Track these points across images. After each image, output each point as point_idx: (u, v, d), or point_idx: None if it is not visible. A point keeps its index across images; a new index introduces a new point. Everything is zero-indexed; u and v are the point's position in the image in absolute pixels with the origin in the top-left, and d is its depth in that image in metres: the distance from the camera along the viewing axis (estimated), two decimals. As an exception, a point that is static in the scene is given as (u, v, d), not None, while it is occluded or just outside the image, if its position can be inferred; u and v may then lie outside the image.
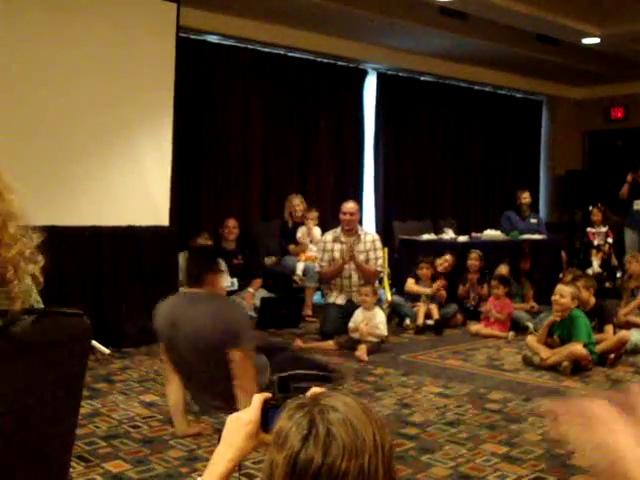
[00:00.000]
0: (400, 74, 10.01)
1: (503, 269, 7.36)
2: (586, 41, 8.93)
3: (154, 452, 3.52)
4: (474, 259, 7.45)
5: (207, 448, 3.55)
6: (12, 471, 1.63)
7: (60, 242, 5.67)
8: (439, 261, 7.30)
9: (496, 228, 8.98)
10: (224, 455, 1.47)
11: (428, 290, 7.00)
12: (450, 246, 7.79)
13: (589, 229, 9.33)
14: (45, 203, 5.53)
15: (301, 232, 7.83)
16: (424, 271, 7.10)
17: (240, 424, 1.49)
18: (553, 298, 5.48)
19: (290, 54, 8.72)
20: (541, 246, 8.48)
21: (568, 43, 9.02)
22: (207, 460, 3.41)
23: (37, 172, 5.52)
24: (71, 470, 1.93)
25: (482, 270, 7.42)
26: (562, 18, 8.18)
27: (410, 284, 7.17)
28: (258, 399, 1.52)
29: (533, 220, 9.39)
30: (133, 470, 3.28)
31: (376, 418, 1.20)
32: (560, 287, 5.56)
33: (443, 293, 7.06)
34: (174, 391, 3.78)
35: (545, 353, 5.38)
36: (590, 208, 9.48)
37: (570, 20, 8.28)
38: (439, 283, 7.03)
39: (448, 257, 7.35)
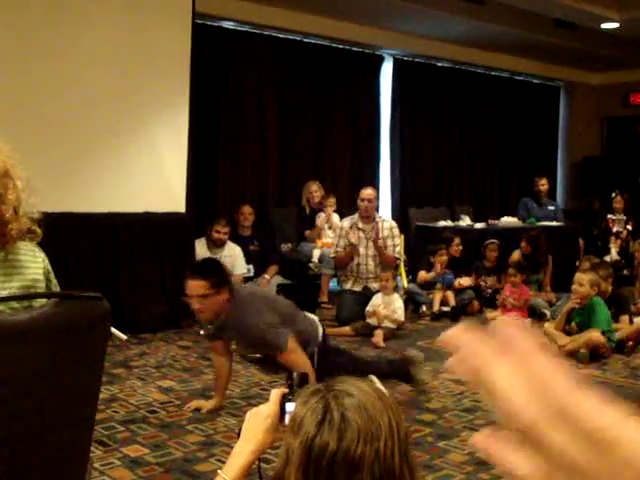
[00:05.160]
0: (416, 60, 9.94)
1: (517, 256, 7.33)
2: (605, 26, 8.81)
3: (172, 437, 3.54)
4: (492, 250, 7.39)
5: (224, 433, 3.58)
6: (33, 453, 1.64)
7: (77, 229, 5.71)
8: (454, 247, 7.26)
9: (513, 215, 8.94)
10: (245, 448, 1.49)
11: (433, 274, 6.99)
12: (455, 232, 7.74)
13: (609, 216, 9.25)
14: (62, 190, 5.56)
15: (320, 219, 7.81)
16: (443, 257, 7.06)
17: (259, 418, 1.52)
18: (572, 287, 5.47)
19: (306, 40, 8.68)
20: (558, 233, 8.43)
21: (587, 28, 8.90)
22: (224, 445, 3.45)
23: (54, 160, 5.55)
24: (91, 454, 1.95)
25: (498, 258, 7.40)
26: (581, 2, 8.08)
27: (422, 275, 7.16)
28: (276, 394, 1.54)
29: (550, 207, 9.34)
30: (151, 455, 3.31)
31: (391, 403, 1.20)
32: (578, 275, 5.54)
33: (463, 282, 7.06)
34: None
35: (563, 340, 5.36)
36: (613, 195, 9.38)
37: (589, 4, 8.17)
38: (470, 281, 7.09)
39: (457, 240, 7.33)
